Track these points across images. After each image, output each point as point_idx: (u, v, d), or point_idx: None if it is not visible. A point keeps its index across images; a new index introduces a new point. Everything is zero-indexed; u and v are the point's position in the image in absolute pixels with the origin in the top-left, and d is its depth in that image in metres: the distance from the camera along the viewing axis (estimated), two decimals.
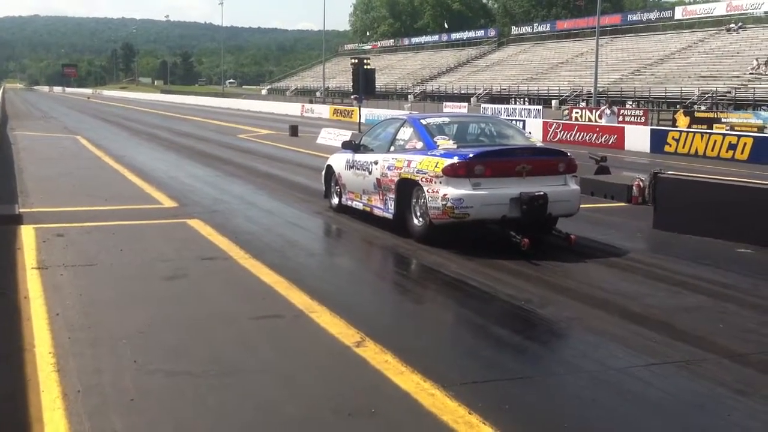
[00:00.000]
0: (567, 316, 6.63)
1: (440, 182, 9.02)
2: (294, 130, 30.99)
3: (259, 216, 11.49)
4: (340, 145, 12.22)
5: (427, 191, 9.17)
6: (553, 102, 53.63)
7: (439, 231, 9.26)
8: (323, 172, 12.41)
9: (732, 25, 59.23)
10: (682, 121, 35.81)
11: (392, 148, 10.43)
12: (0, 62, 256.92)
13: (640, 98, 50.16)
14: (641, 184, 13.07)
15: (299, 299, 6.77)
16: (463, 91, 68.82)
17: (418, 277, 8.41)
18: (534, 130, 32.49)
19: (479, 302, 7.14)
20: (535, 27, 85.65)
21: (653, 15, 70.48)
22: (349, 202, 11.39)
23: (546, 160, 9.61)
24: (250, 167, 18.18)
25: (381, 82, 61.53)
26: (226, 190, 14.19)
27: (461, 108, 49.24)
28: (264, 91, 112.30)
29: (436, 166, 9.14)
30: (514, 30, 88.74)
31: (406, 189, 9.71)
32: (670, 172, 11.73)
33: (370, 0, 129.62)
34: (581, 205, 9.94)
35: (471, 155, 9.07)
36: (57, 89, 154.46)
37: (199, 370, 5.07)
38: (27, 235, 9.22)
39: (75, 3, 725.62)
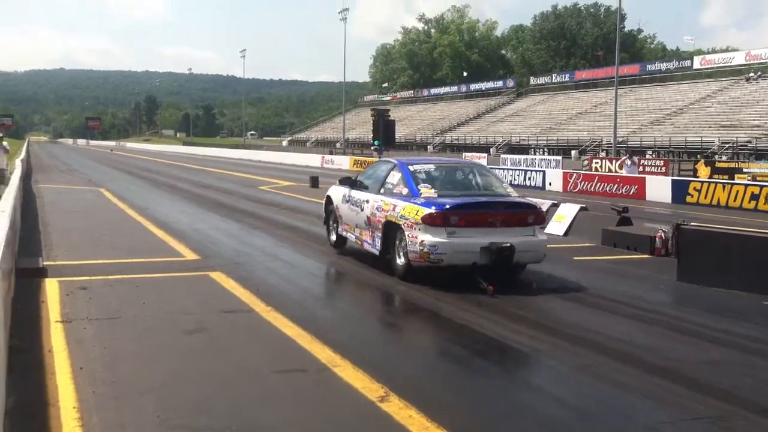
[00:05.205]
0: (592, 371, 6.56)
1: (419, 229, 9.86)
2: (314, 182, 31.12)
3: (281, 268, 11.51)
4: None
5: (408, 236, 10.03)
6: (573, 152, 53.73)
7: (417, 271, 10.09)
8: (324, 201, 13.58)
9: (751, 74, 59.42)
10: (703, 171, 35.73)
11: (382, 190, 11.27)
12: (25, 115, 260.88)
13: (660, 148, 50.17)
14: (663, 235, 13.00)
15: (322, 353, 6.75)
16: (482, 142, 69.17)
17: (441, 330, 8.33)
18: (554, 181, 32.58)
19: (502, 356, 7.08)
20: (553, 77, 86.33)
21: (672, 65, 70.87)
22: (344, 233, 12.50)
23: (517, 213, 10.38)
24: (271, 219, 18.25)
25: (401, 133, 61.95)
26: (248, 242, 14.24)
27: (481, 158, 49.39)
28: (285, 143, 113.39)
29: (416, 214, 9.97)
30: (533, 80, 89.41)
31: (391, 231, 10.61)
32: (693, 224, 11.66)
33: (390, 52, 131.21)
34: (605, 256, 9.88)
35: (448, 206, 9.88)
36: (81, 142, 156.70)
37: (221, 425, 5.05)
38: (51, 288, 9.28)
39: (99, 57, 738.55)
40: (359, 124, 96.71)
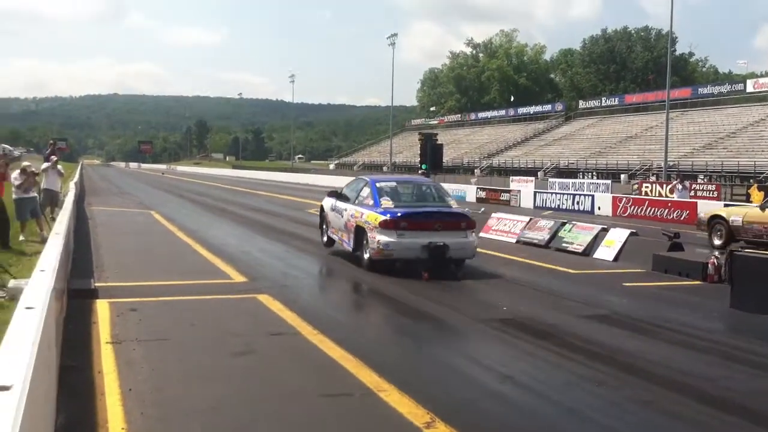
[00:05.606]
0: (642, 399, 6.43)
1: (377, 231, 12.80)
2: None
3: (327, 291, 11.56)
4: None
5: (369, 236, 13.01)
6: (622, 176, 53.12)
7: (376, 263, 12.91)
8: (319, 209, 16.62)
9: None
10: (757, 195, 34.93)
11: (356, 201, 14.13)
12: (79, 139, 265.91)
13: (712, 172, 49.34)
14: (716, 261, 12.76)
15: (368, 377, 6.73)
16: (530, 165, 68.78)
17: (488, 354, 8.25)
18: (603, 205, 32.21)
19: (548, 384, 6.97)
20: (603, 101, 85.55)
21: (724, 88, 69.78)
22: (332, 235, 15.56)
23: (452, 220, 13.25)
24: (317, 242, 18.22)
25: (448, 157, 61.88)
26: (295, 264, 14.32)
27: (528, 182, 49.16)
28: (332, 166, 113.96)
29: (375, 220, 12.90)
30: (582, 104, 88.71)
31: (360, 233, 13.51)
32: (747, 250, 11.43)
33: (438, 76, 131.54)
34: (653, 284, 9.71)
35: (399, 214, 12.85)
36: (133, 165, 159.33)
37: None
38: (102, 309, 9.41)
39: (152, 82, 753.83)
40: (406, 148, 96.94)
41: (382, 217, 12.80)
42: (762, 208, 17.65)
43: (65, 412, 5.60)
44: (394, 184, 14.71)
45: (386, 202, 13.27)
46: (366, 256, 13.24)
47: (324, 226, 16.11)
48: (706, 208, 23.57)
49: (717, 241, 18.08)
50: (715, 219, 18.67)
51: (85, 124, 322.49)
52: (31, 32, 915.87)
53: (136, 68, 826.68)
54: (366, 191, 14.06)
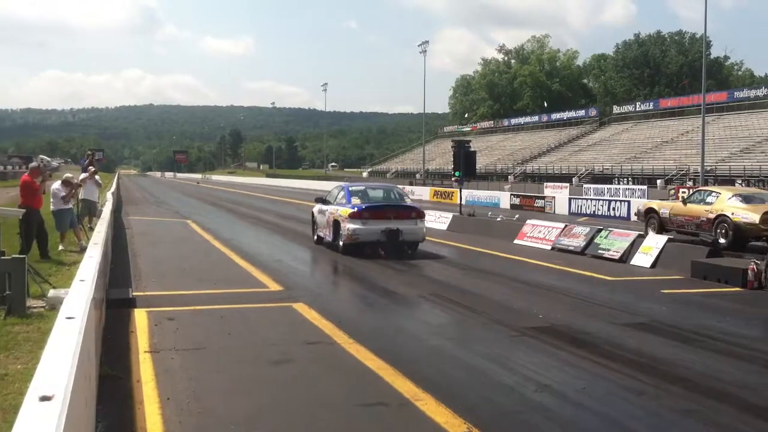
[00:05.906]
0: (684, 408, 6.34)
1: (348, 221, 16.39)
2: None
3: (362, 299, 11.53)
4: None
5: (342, 226, 16.50)
6: (659, 181, 52.54)
7: (349, 247, 16.37)
8: (311, 214, 19.58)
9: None
10: None
11: (335, 202, 17.69)
12: (115, 149, 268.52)
13: (750, 177, 48.64)
14: (756, 267, 12.55)
15: (404, 386, 6.70)
16: (564, 171, 68.24)
17: (526, 363, 8.14)
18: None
19: (592, 390, 6.89)
20: (637, 106, 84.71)
21: (761, 92, 68.74)
22: (319, 233, 18.48)
23: (404, 211, 17.07)
24: (354, 251, 18.32)
25: (481, 163, 61.59)
26: (330, 273, 14.40)
27: (563, 188, 48.86)
28: (365, 174, 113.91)
29: (347, 213, 16.49)
30: (616, 109, 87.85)
31: (336, 225, 16.93)
32: None
33: (470, 83, 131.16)
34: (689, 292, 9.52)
35: (364, 207, 16.56)
36: (168, 174, 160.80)
37: None
38: (140, 318, 9.50)
39: (187, 93, 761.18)
40: (439, 155, 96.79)
41: (351, 210, 16.50)
42: (684, 202, 20.17)
43: (105, 421, 5.65)
44: (363, 187, 18.77)
45: (355, 200, 17.06)
46: (340, 243, 16.59)
47: (314, 227, 19.10)
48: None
49: (651, 231, 19.93)
50: (650, 212, 21.08)
51: (122, 135, 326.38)
52: (68, 45, 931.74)
53: (171, 79, 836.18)
54: (341, 194, 17.75)
